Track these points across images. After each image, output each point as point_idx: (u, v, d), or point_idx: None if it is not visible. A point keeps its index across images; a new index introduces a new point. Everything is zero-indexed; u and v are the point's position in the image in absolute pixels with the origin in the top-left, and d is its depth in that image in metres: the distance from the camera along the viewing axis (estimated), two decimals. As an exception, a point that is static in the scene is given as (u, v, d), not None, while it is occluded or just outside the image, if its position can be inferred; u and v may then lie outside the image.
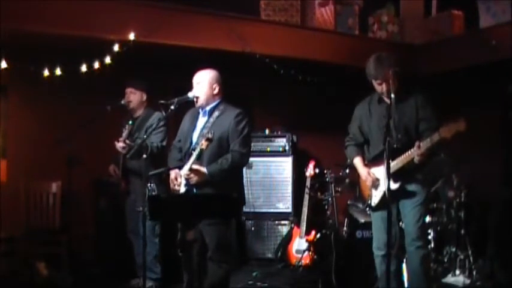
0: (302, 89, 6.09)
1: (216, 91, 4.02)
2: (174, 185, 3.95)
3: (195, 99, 3.98)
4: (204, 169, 3.80)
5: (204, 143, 3.66)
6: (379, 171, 3.94)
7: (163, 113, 4.11)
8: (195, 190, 3.86)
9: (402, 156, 3.80)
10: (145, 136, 4.44)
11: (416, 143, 3.74)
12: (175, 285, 4.62)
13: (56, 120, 5.56)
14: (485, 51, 5.65)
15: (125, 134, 4.84)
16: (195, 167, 3.78)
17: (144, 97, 5.08)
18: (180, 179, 3.91)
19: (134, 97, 5.05)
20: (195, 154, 3.74)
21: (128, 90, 5.07)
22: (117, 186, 5.15)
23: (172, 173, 3.99)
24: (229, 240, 3.99)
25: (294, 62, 5.61)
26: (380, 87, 3.93)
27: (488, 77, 5.87)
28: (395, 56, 4.01)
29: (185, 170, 3.83)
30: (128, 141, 4.75)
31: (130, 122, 4.90)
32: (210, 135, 3.67)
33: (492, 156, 6.03)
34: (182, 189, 3.88)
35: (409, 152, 3.78)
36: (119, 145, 4.78)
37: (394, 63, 3.88)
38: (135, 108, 5.07)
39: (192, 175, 3.79)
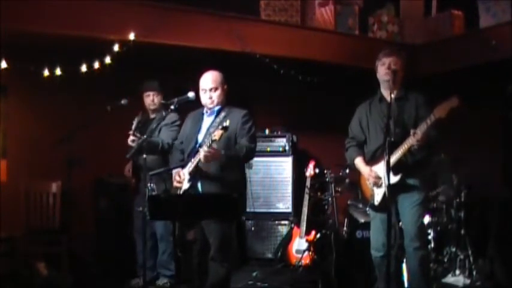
0: (302, 89, 6.09)
1: (226, 91, 4.07)
2: (176, 182, 3.97)
3: (208, 102, 3.99)
4: (222, 151, 3.81)
5: (218, 133, 3.64)
6: (379, 169, 3.94)
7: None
8: (199, 186, 3.89)
9: (402, 147, 3.80)
10: (157, 133, 4.46)
11: (412, 131, 3.75)
12: (190, 282, 4.66)
13: (56, 120, 5.56)
14: (485, 51, 5.65)
15: (134, 126, 4.84)
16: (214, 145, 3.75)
17: (161, 98, 5.10)
18: (182, 176, 3.94)
19: (157, 99, 5.07)
20: (206, 145, 3.73)
21: (152, 93, 5.08)
22: (123, 186, 5.18)
23: (174, 171, 4.02)
24: (231, 239, 4.02)
25: (294, 62, 5.61)
26: (384, 69, 3.94)
27: (488, 77, 5.87)
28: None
29: (203, 150, 3.73)
30: (137, 134, 4.74)
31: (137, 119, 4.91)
32: (225, 124, 3.68)
33: (492, 156, 6.03)
34: (186, 186, 3.90)
35: (407, 141, 3.77)
36: (129, 139, 4.74)
37: (405, 61, 4.03)
38: (156, 110, 5.08)
39: (210, 151, 3.72)
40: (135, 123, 4.81)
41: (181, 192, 3.94)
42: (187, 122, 4.23)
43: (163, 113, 4.91)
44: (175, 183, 3.98)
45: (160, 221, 4.88)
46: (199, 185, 3.92)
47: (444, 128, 3.77)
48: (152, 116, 5.12)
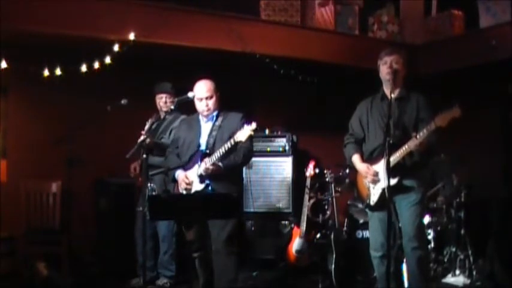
0: (302, 89, 6.09)
1: (219, 98, 4.20)
2: (185, 185, 4.04)
3: (205, 110, 4.12)
4: (219, 164, 3.99)
5: (244, 134, 3.80)
6: (377, 169, 3.93)
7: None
8: (210, 187, 4.01)
9: (400, 150, 3.80)
10: (168, 134, 4.60)
11: (413, 134, 3.75)
12: (189, 283, 4.70)
13: (56, 120, 5.56)
14: (485, 51, 5.65)
15: (147, 127, 4.85)
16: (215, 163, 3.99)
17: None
18: (190, 178, 4.03)
19: (170, 101, 5.06)
20: (224, 147, 3.90)
21: (164, 95, 5.08)
22: (123, 186, 5.18)
23: (182, 175, 4.09)
24: (237, 232, 4.09)
25: (294, 62, 5.62)
26: (386, 68, 3.94)
27: (488, 77, 5.87)
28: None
29: (208, 163, 3.96)
30: (148, 135, 4.74)
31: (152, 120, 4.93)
32: (254, 126, 3.82)
33: (492, 156, 6.03)
34: (199, 187, 4.01)
35: (407, 145, 3.77)
36: (140, 139, 4.75)
37: (406, 60, 4.04)
38: (168, 112, 5.07)
39: (211, 167, 3.95)
40: (148, 124, 4.82)
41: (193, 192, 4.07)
42: (181, 128, 4.39)
43: (174, 115, 4.92)
44: (184, 186, 4.05)
45: (163, 221, 4.89)
46: (209, 187, 4.04)
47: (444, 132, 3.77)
48: (165, 117, 5.11)
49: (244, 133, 3.81)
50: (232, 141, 3.86)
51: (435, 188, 5.43)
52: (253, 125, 3.81)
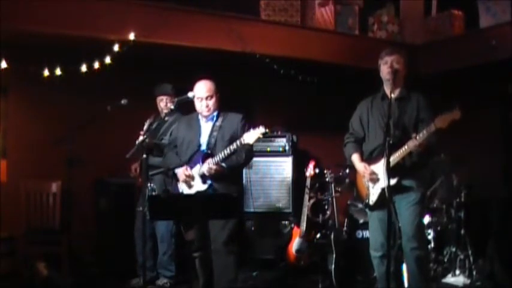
0: (302, 89, 6.09)
1: (219, 98, 4.21)
2: (185, 177, 4.04)
3: (205, 110, 4.13)
4: (223, 164, 4.01)
5: (253, 137, 3.82)
6: (376, 168, 3.94)
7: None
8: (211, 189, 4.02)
9: (400, 151, 3.80)
10: (168, 135, 4.60)
11: (413, 135, 3.76)
12: (189, 283, 4.72)
13: (56, 120, 5.56)
14: (485, 51, 5.65)
15: (145, 128, 4.85)
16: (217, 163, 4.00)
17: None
18: (190, 173, 4.04)
19: (170, 102, 5.06)
20: (230, 148, 3.92)
21: (165, 97, 5.08)
22: (123, 186, 5.18)
23: (183, 170, 4.08)
24: (237, 231, 4.09)
25: (294, 62, 5.62)
26: (387, 68, 3.94)
27: (488, 77, 5.87)
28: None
29: (211, 163, 3.98)
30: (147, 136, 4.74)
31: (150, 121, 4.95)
32: (264, 130, 3.88)
33: (492, 156, 6.03)
34: (201, 187, 4.02)
35: (406, 145, 3.77)
36: (139, 139, 4.76)
37: (407, 60, 4.05)
38: (169, 113, 5.07)
39: (215, 167, 3.96)
40: (146, 125, 4.82)
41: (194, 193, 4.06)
42: (180, 127, 4.37)
43: (175, 116, 4.91)
44: (183, 178, 4.05)
45: (162, 221, 4.89)
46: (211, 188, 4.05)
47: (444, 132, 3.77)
48: (165, 118, 5.11)
49: (252, 136, 3.82)
50: (238, 142, 3.87)
51: (434, 187, 5.43)
52: (262, 129, 3.82)
